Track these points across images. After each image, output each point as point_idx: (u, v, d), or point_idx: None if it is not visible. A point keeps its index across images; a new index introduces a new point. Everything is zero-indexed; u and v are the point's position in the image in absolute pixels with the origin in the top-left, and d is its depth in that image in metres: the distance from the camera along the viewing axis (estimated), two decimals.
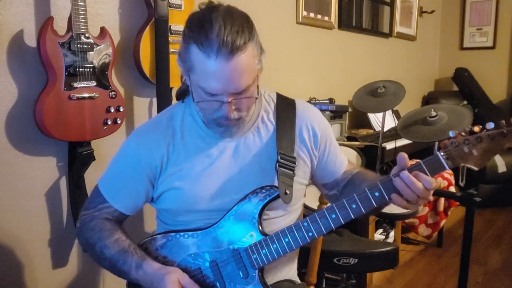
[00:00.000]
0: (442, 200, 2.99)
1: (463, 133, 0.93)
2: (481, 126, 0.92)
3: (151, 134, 1.13)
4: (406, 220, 2.99)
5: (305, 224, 1.03)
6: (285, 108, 1.18)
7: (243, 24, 0.96)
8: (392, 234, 2.87)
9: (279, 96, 1.22)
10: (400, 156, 0.98)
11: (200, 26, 0.95)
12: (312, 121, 1.19)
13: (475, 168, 0.94)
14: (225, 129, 1.08)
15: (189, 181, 1.10)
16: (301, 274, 1.37)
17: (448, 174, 3.03)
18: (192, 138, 1.12)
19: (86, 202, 1.21)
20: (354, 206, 1.00)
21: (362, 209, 1.00)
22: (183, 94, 1.18)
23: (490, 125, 0.91)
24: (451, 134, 0.94)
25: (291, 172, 1.10)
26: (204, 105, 1.04)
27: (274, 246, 1.05)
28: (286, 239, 1.04)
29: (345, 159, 1.25)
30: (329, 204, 1.22)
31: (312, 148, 1.18)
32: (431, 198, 0.99)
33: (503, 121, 0.90)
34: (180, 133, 1.13)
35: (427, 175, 0.95)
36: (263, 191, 1.08)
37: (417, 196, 0.95)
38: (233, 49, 0.93)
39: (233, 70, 0.95)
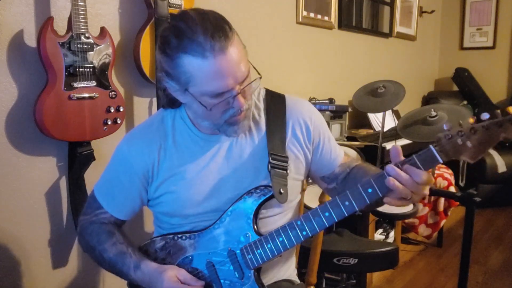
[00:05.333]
0: (442, 200, 2.99)
1: (457, 125, 0.89)
2: (475, 117, 0.88)
3: (142, 137, 1.12)
4: (406, 220, 2.99)
5: (299, 223, 1.02)
6: (275, 105, 1.17)
7: (217, 18, 0.96)
8: (392, 234, 2.87)
9: (268, 92, 1.20)
10: (393, 150, 0.95)
11: (181, 37, 0.93)
12: (303, 116, 1.17)
13: (470, 161, 0.90)
14: (238, 126, 1.06)
15: (184, 185, 1.10)
16: (301, 274, 1.38)
17: (448, 174, 3.04)
18: (185, 141, 1.12)
19: (84, 207, 1.22)
20: (347, 203, 0.98)
21: (356, 206, 0.97)
22: (171, 103, 1.13)
23: (485, 115, 0.87)
24: (445, 127, 0.90)
25: (285, 172, 1.10)
26: (216, 109, 1.01)
27: (269, 245, 1.04)
28: (280, 238, 1.03)
29: (340, 151, 1.24)
30: None
31: (305, 143, 1.16)
32: (427, 192, 0.94)
33: (498, 111, 0.86)
34: (172, 136, 1.12)
35: (420, 169, 0.91)
36: (258, 191, 1.08)
37: (409, 191, 0.91)
38: (224, 41, 0.93)
39: (233, 59, 0.95)
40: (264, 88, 1.21)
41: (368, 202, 0.97)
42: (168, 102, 1.12)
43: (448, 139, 0.89)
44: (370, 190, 0.96)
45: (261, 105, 1.17)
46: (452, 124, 0.90)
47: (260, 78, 1.04)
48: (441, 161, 0.91)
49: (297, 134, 1.15)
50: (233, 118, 1.03)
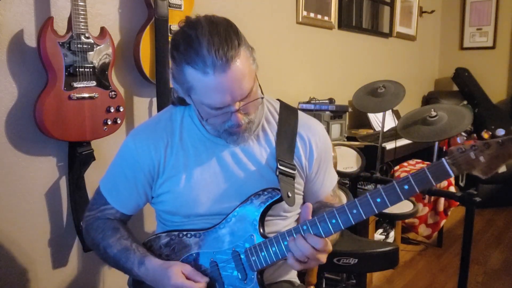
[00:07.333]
0: (442, 200, 2.99)
1: (471, 139, 0.90)
2: (490, 133, 0.88)
3: (149, 134, 1.13)
4: (406, 220, 2.99)
5: (305, 227, 1.01)
6: (288, 117, 1.18)
7: (228, 30, 0.96)
8: (392, 234, 2.87)
9: (282, 104, 1.21)
10: (304, 208, 1.01)
11: (188, 46, 0.94)
12: (311, 139, 1.17)
13: (482, 176, 0.90)
14: (237, 136, 1.07)
15: (188, 186, 1.10)
16: (301, 274, 1.37)
17: None
18: (192, 141, 1.12)
19: (90, 203, 1.23)
20: (354, 211, 0.97)
21: (363, 215, 0.97)
22: (180, 101, 1.14)
23: (501, 131, 0.87)
24: (458, 140, 0.91)
25: (291, 179, 1.10)
26: (213, 120, 1.03)
27: (273, 249, 1.04)
28: (285, 242, 1.02)
29: (328, 188, 1.22)
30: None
31: (305, 166, 1.17)
32: (324, 260, 1.00)
33: None
34: (179, 134, 1.12)
35: (430, 182, 0.90)
36: (265, 193, 1.07)
37: (305, 256, 0.97)
38: (228, 58, 0.93)
39: (234, 78, 0.95)
40: (278, 99, 1.23)
41: (376, 211, 0.97)
42: (178, 99, 1.13)
43: (461, 153, 0.89)
44: (379, 200, 0.95)
45: (274, 116, 1.18)
46: (465, 138, 0.89)
47: (263, 98, 1.05)
48: (453, 175, 0.90)
49: (300, 154, 1.16)
50: (232, 129, 1.04)
